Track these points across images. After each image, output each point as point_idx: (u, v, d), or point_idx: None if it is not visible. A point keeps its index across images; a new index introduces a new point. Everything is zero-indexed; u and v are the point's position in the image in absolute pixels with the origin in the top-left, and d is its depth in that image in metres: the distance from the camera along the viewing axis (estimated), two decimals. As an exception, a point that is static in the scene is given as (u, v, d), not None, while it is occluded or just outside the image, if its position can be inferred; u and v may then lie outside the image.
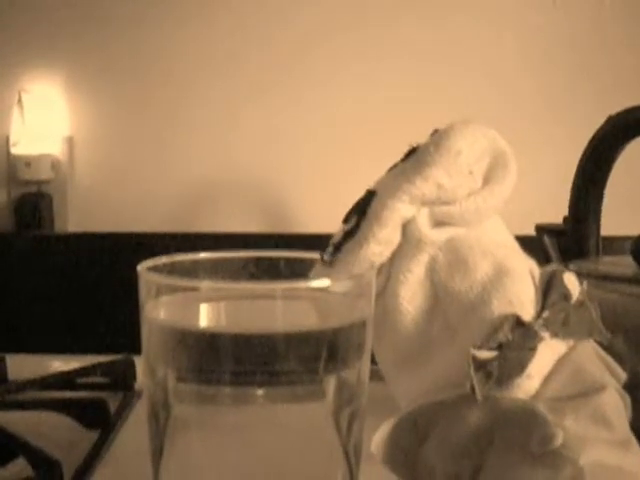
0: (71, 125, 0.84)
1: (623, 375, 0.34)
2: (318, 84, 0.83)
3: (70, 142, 0.84)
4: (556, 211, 0.62)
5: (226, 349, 0.27)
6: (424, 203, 0.33)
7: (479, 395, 0.30)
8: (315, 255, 0.33)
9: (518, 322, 0.31)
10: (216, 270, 0.32)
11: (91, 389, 0.64)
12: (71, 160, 0.84)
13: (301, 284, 0.30)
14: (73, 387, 0.64)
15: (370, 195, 0.34)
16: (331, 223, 0.37)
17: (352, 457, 0.31)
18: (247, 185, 0.84)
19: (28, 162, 0.82)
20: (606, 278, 0.51)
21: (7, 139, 0.83)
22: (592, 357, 0.34)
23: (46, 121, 0.83)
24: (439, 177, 0.33)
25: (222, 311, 0.30)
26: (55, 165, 0.83)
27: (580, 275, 0.53)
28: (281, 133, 0.84)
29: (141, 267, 0.29)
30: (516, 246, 0.37)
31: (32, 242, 0.82)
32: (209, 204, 0.84)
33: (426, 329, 0.33)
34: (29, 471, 0.45)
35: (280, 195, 0.84)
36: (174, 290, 0.29)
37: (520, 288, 0.33)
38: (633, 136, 0.56)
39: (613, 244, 0.62)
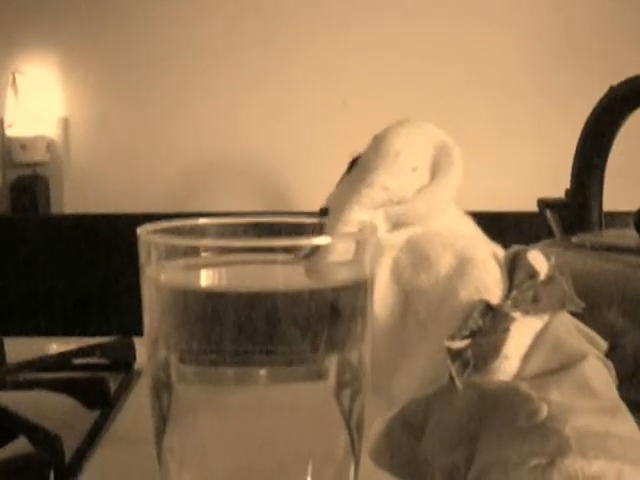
0: (66, 106, 0.83)
1: (603, 344, 0.35)
2: (319, 67, 0.83)
3: (65, 123, 0.83)
4: (558, 186, 0.62)
5: (227, 309, 0.27)
6: (376, 208, 0.34)
7: (459, 384, 0.30)
8: (316, 220, 0.33)
9: (487, 307, 0.32)
10: (216, 235, 0.32)
11: (90, 370, 0.64)
12: (66, 142, 0.83)
13: (302, 241, 0.30)
14: (72, 368, 0.64)
15: (323, 212, 0.35)
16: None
17: (355, 434, 0.31)
18: (245, 165, 0.84)
19: (23, 144, 0.81)
20: (609, 249, 0.51)
21: (1, 121, 0.82)
22: (569, 329, 0.34)
23: (41, 103, 0.82)
24: (383, 180, 0.34)
25: (223, 276, 0.29)
26: (50, 147, 0.82)
27: (583, 247, 0.53)
28: (281, 114, 0.83)
29: (141, 229, 0.29)
30: (477, 233, 0.38)
31: (29, 224, 0.81)
32: (206, 184, 0.83)
33: (401, 330, 0.34)
34: (30, 449, 0.45)
35: (279, 175, 0.83)
36: (174, 251, 0.28)
37: (485, 273, 0.34)
38: (635, 106, 0.56)
39: (615, 219, 0.62)
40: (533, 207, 0.64)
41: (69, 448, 0.45)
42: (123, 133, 0.84)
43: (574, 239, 0.55)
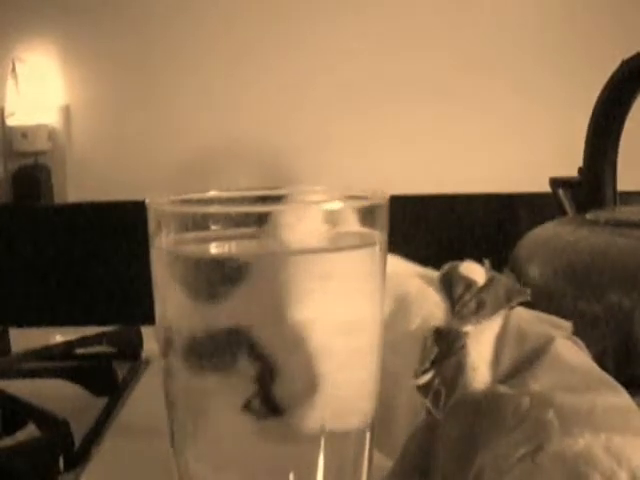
0: (67, 94, 0.82)
1: (567, 325, 0.35)
2: (321, 47, 0.82)
3: (66, 111, 0.82)
4: (569, 165, 0.61)
5: (238, 277, 0.26)
6: None
7: (438, 415, 0.31)
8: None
9: (437, 332, 0.33)
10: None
11: (97, 359, 0.63)
12: (68, 129, 0.82)
13: (313, 206, 0.29)
14: (79, 357, 0.63)
15: None
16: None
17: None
18: (249, 151, 0.83)
19: (24, 133, 0.80)
20: (623, 224, 0.50)
21: (2, 110, 0.81)
22: (528, 319, 0.35)
23: (41, 90, 0.81)
24: None
25: (233, 247, 0.29)
26: (52, 135, 0.81)
27: (597, 223, 0.52)
28: (282, 97, 0.82)
29: (150, 200, 0.28)
30: (403, 266, 0.39)
31: (32, 214, 0.80)
32: (210, 170, 0.82)
33: None
34: (39, 436, 0.44)
35: (286, 162, 0.82)
36: (184, 222, 0.28)
37: (424, 302, 0.35)
38: (648, 79, 0.55)
39: (630, 199, 0.61)
40: (546, 188, 0.63)
41: (78, 435, 0.45)
42: (125, 120, 0.83)
43: (588, 215, 0.54)
